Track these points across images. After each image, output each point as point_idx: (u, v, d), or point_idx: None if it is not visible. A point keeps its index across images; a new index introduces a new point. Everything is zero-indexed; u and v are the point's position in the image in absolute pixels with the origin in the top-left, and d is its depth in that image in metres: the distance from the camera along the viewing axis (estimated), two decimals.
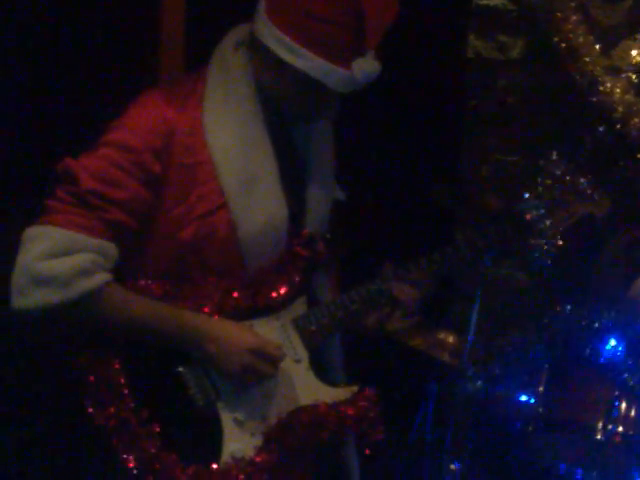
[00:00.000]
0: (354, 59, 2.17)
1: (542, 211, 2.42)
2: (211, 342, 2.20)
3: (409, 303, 2.38)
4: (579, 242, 3.56)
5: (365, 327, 2.41)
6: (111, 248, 2.19)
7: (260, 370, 2.22)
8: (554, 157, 2.43)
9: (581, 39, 3.80)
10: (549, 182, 2.42)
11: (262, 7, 2.23)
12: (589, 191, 2.43)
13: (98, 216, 2.17)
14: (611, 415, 3.27)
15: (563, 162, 2.42)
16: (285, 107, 2.29)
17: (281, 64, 2.21)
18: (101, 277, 2.17)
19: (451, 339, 3.63)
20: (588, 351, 3.50)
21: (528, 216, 2.41)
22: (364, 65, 2.18)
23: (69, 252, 2.15)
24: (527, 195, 2.43)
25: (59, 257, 2.14)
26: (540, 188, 2.42)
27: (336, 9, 2.15)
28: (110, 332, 2.22)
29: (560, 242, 2.44)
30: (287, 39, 2.18)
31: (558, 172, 2.42)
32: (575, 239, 2.56)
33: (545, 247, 2.45)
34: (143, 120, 2.23)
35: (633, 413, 3.29)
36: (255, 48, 2.25)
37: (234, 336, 2.21)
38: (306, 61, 2.18)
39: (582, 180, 2.42)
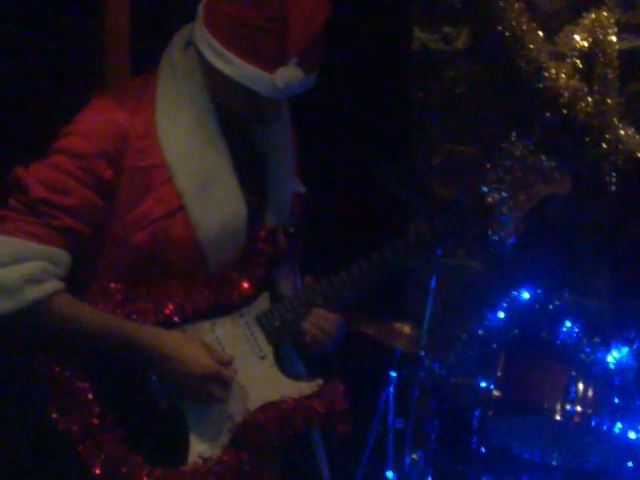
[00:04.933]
0: (277, 66, 2.16)
1: (503, 194, 2.41)
2: (164, 361, 2.19)
3: (324, 337, 2.37)
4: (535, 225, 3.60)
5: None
6: (63, 255, 2.18)
7: (213, 394, 2.21)
8: (513, 138, 2.41)
9: (524, 26, 3.84)
10: (509, 163, 2.41)
11: (201, 11, 2.24)
12: (550, 171, 2.42)
13: (47, 223, 2.16)
14: (569, 396, 3.31)
15: (523, 143, 2.41)
16: (228, 111, 2.28)
17: (214, 69, 2.21)
18: (51, 285, 2.16)
19: (407, 329, 3.65)
20: (544, 333, 3.54)
21: (489, 199, 2.41)
22: (286, 73, 2.17)
23: (18, 260, 2.14)
24: (487, 178, 2.40)
25: (8, 266, 2.13)
26: (500, 170, 2.40)
27: (261, 15, 2.14)
28: (62, 343, 2.20)
29: (522, 225, 2.43)
30: (217, 44, 2.18)
31: (518, 153, 2.40)
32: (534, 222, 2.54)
33: (507, 230, 2.42)
34: (94, 125, 2.21)
35: (590, 393, 3.34)
36: (196, 51, 2.26)
37: (189, 358, 2.19)
38: (233, 67, 2.18)
39: (543, 159, 2.41)
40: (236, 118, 2.30)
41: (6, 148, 3.10)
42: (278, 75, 2.16)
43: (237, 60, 2.17)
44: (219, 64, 2.19)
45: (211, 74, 2.23)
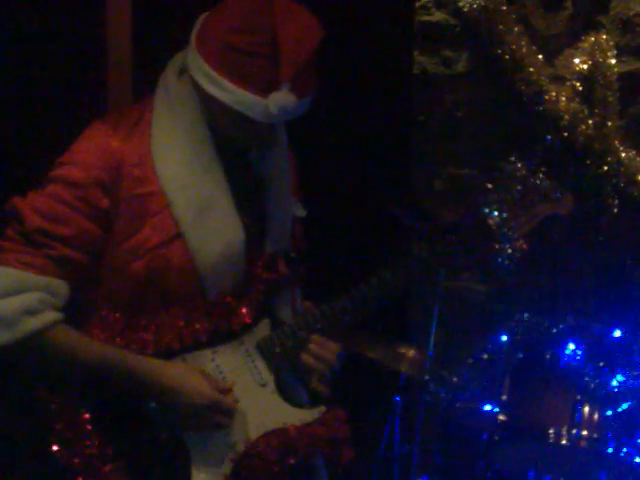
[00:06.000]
0: (270, 90, 2.16)
1: (504, 214, 2.39)
2: (165, 394, 2.18)
3: (325, 367, 2.34)
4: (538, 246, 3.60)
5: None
6: (60, 285, 2.17)
7: (215, 423, 2.20)
8: (513, 159, 2.40)
9: (524, 50, 3.86)
10: (509, 184, 2.39)
11: (193, 37, 2.24)
12: (551, 190, 2.40)
13: (45, 254, 2.16)
14: (575, 420, 3.30)
15: (523, 163, 2.40)
16: (224, 135, 2.28)
17: (208, 95, 2.21)
18: (49, 316, 2.15)
19: (411, 353, 3.64)
20: (548, 357, 3.53)
21: (491, 221, 2.38)
22: (278, 98, 2.16)
23: (16, 291, 2.13)
24: (488, 199, 2.38)
25: (5, 297, 2.12)
26: (501, 191, 2.38)
27: (253, 40, 2.14)
28: (62, 374, 2.19)
29: (524, 245, 2.41)
30: (209, 69, 2.18)
31: (518, 173, 2.39)
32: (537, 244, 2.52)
33: (509, 251, 2.41)
34: (88, 154, 2.21)
35: (596, 416, 3.32)
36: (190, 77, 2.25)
37: (190, 390, 2.18)
38: (226, 92, 2.17)
39: (543, 178, 2.39)
40: (232, 143, 2.30)
41: (6, 176, 3.11)
42: (271, 100, 2.16)
43: (230, 85, 2.17)
44: (212, 90, 2.19)
45: (206, 100, 2.23)
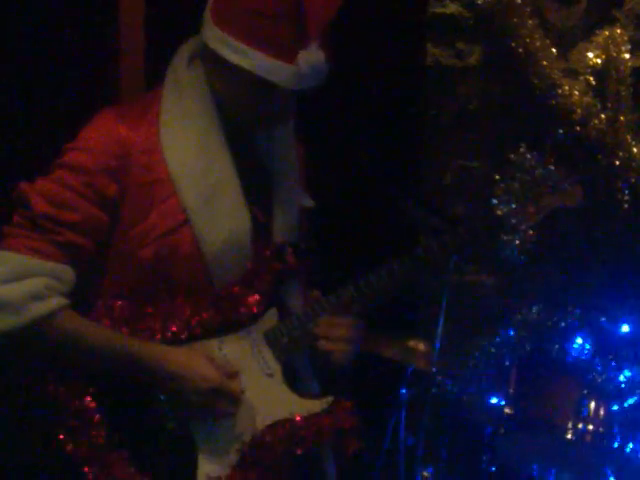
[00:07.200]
0: (298, 52, 2.15)
1: (512, 205, 2.38)
2: (170, 378, 2.18)
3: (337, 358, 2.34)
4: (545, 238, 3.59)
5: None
6: (66, 271, 2.17)
7: (220, 409, 2.20)
8: (522, 149, 2.40)
9: (538, 43, 3.85)
10: (517, 175, 2.38)
11: (208, 11, 2.23)
12: (559, 182, 2.39)
13: (51, 239, 2.16)
14: (581, 414, 3.30)
15: (532, 154, 2.39)
16: (240, 114, 2.27)
17: (228, 67, 2.19)
18: (55, 302, 2.15)
19: (422, 347, 3.64)
20: (555, 351, 3.54)
21: (499, 212, 2.37)
22: (308, 57, 2.15)
23: (21, 277, 2.13)
24: (496, 190, 2.37)
25: (11, 282, 2.13)
26: (509, 181, 2.37)
27: (274, 2, 2.14)
28: (67, 360, 2.19)
29: (532, 237, 2.40)
30: (230, 38, 2.17)
31: (527, 164, 2.39)
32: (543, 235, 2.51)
33: (517, 242, 2.40)
34: (96, 141, 2.22)
35: (602, 411, 3.33)
36: (206, 55, 2.25)
37: (195, 374, 2.17)
38: (249, 59, 2.16)
39: (552, 170, 2.37)
40: (241, 128, 2.29)
41: (15, 163, 3.12)
42: (300, 58, 2.15)
43: (253, 52, 2.15)
44: (234, 58, 2.17)
45: (223, 74, 2.22)
